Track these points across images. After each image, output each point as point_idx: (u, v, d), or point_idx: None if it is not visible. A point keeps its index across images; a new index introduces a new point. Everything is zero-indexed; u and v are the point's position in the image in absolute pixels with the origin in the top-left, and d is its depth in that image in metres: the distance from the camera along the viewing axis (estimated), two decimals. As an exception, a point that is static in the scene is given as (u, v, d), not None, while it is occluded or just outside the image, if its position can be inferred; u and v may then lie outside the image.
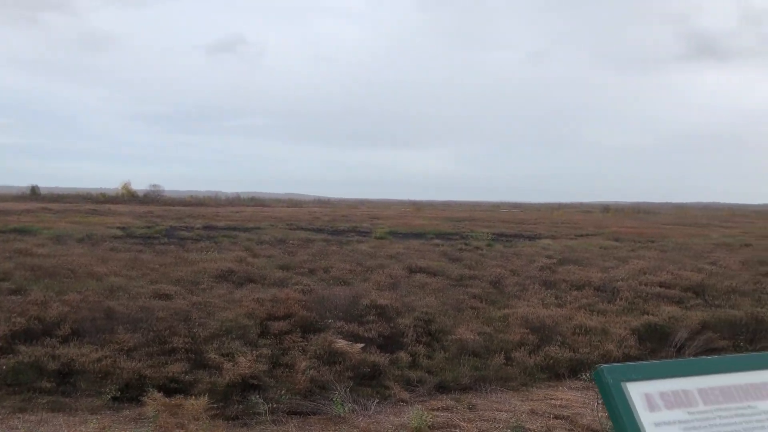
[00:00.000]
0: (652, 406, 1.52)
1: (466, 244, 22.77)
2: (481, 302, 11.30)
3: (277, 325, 8.31)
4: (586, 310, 10.36)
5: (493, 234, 30.34)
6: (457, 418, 6.49)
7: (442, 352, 8.32)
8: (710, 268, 14.91)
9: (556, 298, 11.50)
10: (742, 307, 9.79)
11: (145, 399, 5.93)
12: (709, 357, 1.68)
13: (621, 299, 11.21)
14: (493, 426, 6.22)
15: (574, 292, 11.78)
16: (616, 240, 27.81)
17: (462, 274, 14.15)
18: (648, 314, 9.78)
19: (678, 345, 8.59)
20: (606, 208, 70.33)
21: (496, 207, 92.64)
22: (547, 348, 8.28)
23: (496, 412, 6.67)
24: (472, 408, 6.85)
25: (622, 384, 1.54)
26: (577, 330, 8.91)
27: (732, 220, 51.33)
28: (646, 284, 12.12)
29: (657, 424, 1.50)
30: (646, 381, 1.57)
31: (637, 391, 1.54)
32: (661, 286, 11.93)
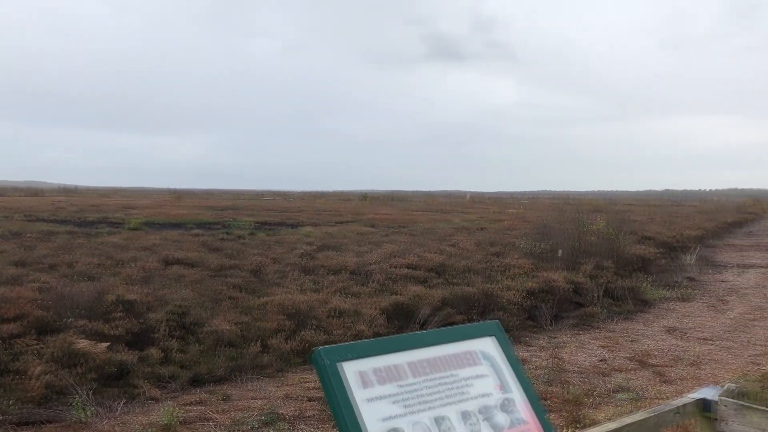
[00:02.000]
0: (365, 383, 1.59)
1: (227, 234, 22.33)
2: (241, 292, 11.18)
3: (5, 328, 7.39)
4: (341, 293, 10.78)
5: (257, 223, 30.13)
6: (211, 411, 6.34)
7: (197, 345, 8.08)
8: (450, 249, 16.42)
9: (315, 283, 11.79)
10: (475, 284, 10.93)
11: None
12: (419, 332, 1.81)
13: (373, 281, 11.85)
14: (247, 415, 6.18)
15: (331, 277, 12.18)
16: (372, 226, 29.29)
17: (222, 264, 13.84)
18: (396, 294, 10.47)
19: (421, 321, 9.32)
20: (364, 196, 73.83)
21: (260, 195, 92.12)
22: (302, 332, 8.46)
23: (251, 401, 6.65)
24: (226, 399, 6.75)
25: (338, 364, 1.59)
26: (332, 313, 9.23)
27: (471, 207, 57.08)
28: (395, 266, 12.95)
29: (369, 400, 1.57)
30: (361, 359, 1.63)
31: (351, 370, 1.60)
32: (408, 268, 12.85)
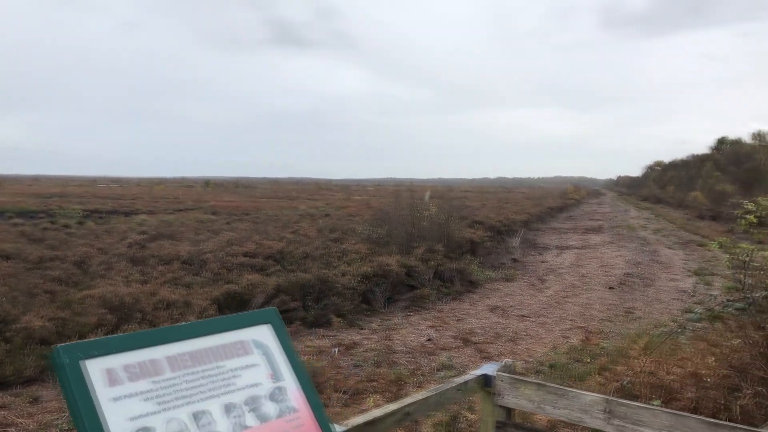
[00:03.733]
0: (112, 381, 1.49)
1: (52, 223, 20.76)
2: (61, 285, 10.39)
3: None
4: (171, 284, 10.32)
5: (87, 211, 28.22)
6: (15, 415, 5.83)
7: (4, 344, 7.37)
8: (291, 236, 16.32)
9: (143, 274, 11.18)
10: (312, 270, 10.94)
11: None
12: (183, 323, 1.73)
13: (207, 271, 11.47)
14: (56, 417, 5.75)
15: (161, 267, 11.63)
16: (214, 214, 28.44)
17: (42, 256, 12.79)
18: (231, 283, 10.21)
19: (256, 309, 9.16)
20: (207, 183, 71.43)
21: (93, 182, 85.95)
22: (125, 327, 7.99)
23: (64, 401, 6.18)
24: (34, 401, 6.24)
25: (81, 362, 1.47)
26: (159, 305, 8.80)
27: (318, 194, 57.25)
28: (232, 255, 12.63)
29: (115, 399, 1.46)
30: (109, 356, 1.52)
31: (97, 368, 1.48)
32: (245, 256, 12.58)
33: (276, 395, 1.77)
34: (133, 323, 8.12)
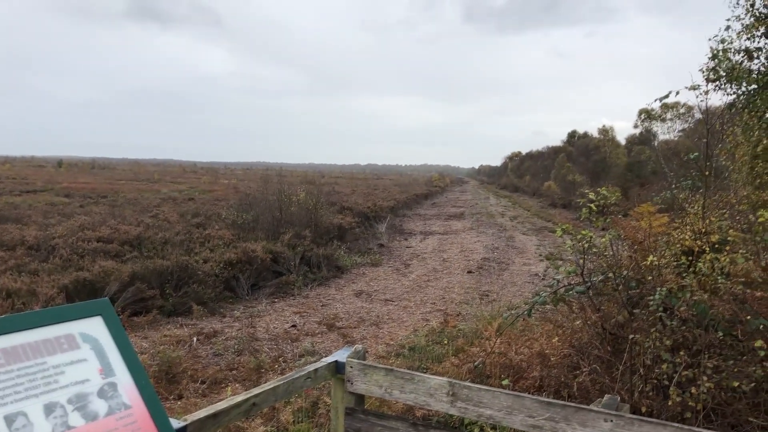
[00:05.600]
0: None
1: None
2: None
3: None
4: (14, 271, 9.51)
5: None
6: None
7: None
8: (151, 221, 15.58)
9: (-20, 261, 10.21)
10: (171, 257, 10.50)
11: None
12: (-4, 318, 1.57)
13: (57, 257, 10.68)
14: None
15: (2, 253, 10.68)
16: (67, 196, 26.56)
17: None
18: (82, 270, 9.58)
19: (109, 298, 8.65)
20: (60, 163, 66.44)
21: None
22: (-44, 320, 7.26)
23: None
24: None
25: None
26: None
27: (183, 176, 55.03)
28: (85, 240, 11.84)
29: None
30: None
31: None
32: (99, 242, 11.85)
33: (106, 392, 1.66)
34: (-34, 315, 7.40)
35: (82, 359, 1.67)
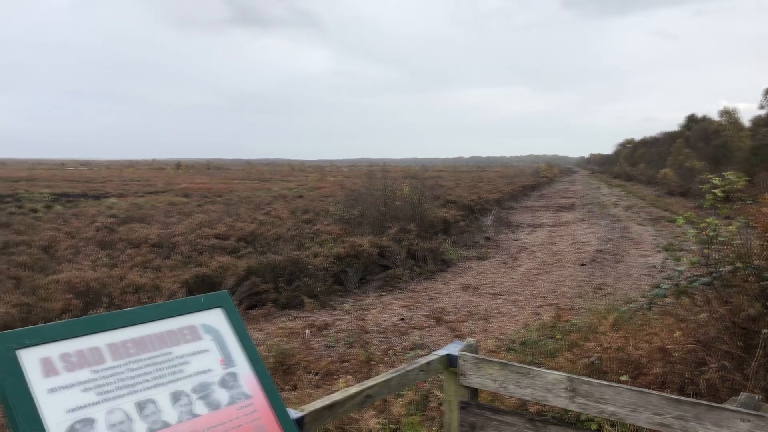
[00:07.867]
0: (48, 371, 1.41)
1: (18, 207, 20.36)
2: (27, 270, 10.20)
3: None
4: (140, 267, 10.17)
5: (55, 194, 27.85)
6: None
7: (-35, 333, 7.19)
8: (263, 218, 16.18)
9: (111, 258, 11.00)
10: (283, 252, 10.85)
11: None
12: (124, 310, 1.66)
13: (178, 254, 11.32)
14: None
15: (130, 251, 11.45)
16: (186, 196, 28.14)
17: (8, 241, 12.54)
18: (201, 266, 10.09)
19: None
20: (178, 165, 70.52)
21: (62, 165, 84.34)
22: (92, 311, 7.85)
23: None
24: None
25: (16, 352, 1.39)
26: (127, 289, 8.66)
27: (292, 175, 56.84)
28: (203, 237, 12.48)
29: (52, 390, 1.39)
30: (46, 345, 1.45)
31: (31, 358, 1.41)
32: (216, 238, 12.44)
33: (228, 381, 1.71)
34: (101, 308, 7.98)
35: (204, 350, 1.73)
